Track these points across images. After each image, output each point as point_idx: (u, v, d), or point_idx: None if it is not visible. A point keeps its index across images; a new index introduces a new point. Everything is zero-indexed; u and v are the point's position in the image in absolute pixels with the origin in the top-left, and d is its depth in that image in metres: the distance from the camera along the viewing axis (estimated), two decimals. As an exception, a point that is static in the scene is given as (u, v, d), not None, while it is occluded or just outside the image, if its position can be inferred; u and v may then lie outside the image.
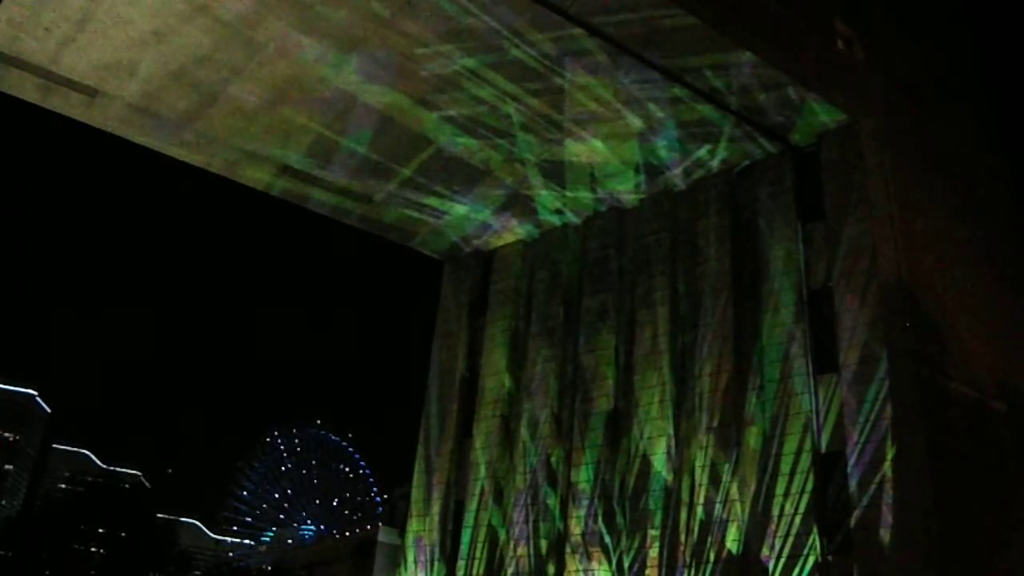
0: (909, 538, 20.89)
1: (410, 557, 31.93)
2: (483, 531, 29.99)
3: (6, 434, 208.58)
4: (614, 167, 28.86)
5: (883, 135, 25.71)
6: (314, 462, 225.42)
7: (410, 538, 32.41)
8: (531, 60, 24.24)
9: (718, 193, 28.41)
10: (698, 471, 25.28)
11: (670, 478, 25.86)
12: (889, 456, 21.70)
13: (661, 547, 25.11)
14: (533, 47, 23.74)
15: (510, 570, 28.49)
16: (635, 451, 26.88)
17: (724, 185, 28.36)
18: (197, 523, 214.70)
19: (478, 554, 29.72)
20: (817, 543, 22.41)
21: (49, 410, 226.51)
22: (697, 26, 22.57)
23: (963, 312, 26.25)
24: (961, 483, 22.53)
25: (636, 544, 25.70)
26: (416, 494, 32.99)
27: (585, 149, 28.06)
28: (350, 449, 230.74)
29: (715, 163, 28.20)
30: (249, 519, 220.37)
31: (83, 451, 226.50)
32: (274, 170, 30.17)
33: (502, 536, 29.60)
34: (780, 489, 23.41)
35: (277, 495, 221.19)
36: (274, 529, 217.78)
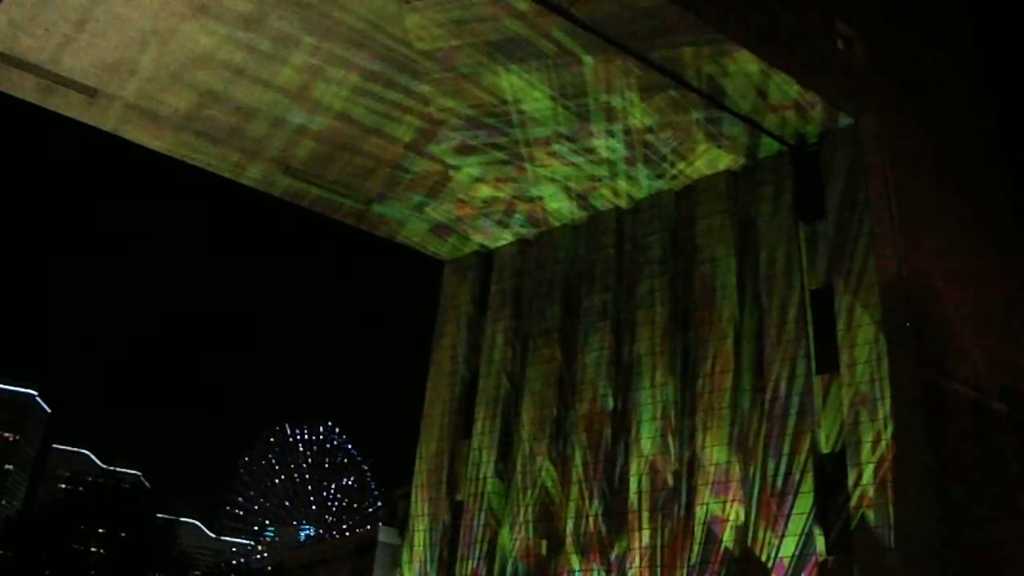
0: (909, 538, 20.89)
1: (410, 557, 31.94)
2: (483, 531, 29.99)
3: (6, 434, 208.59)
4: (614, 166, 28.84)
5: (883, 135, 25.68)
6: (314, 462, 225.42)
7: (410, 538, 32.42)
8: (531, 59, 24.24)
9: (718, 193, 28.41)
10: (698, 471, 25.29)
11: (670, 478, 25.86)
12: (889, 456, 21.71)
13: (661, 547, 25.11)
14: (533, 47, 23.74)
15: (510, 570, 28.49)
16: (635, 451, 26.88)
17: (724, 185, 28.36)
18: (197, 523, 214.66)
19: (477, 554, 29.72)
20: (817, 543, 22.42)
21: (49, 410, 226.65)
22: (697, 26, 22.58)
23: (963, 312, 26.22)
24: (961, 483, 22.52)
25: (636, 544, 25.67)
26: (416, 494, 32.99)
27: (585, 148, 28.05)
28: (351, 449, 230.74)
29: (715, 163, 28.19)
30: (249, 519, 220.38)
31: (83, 451, 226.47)
32: (275, 170, 30.16)
33: (502, 536, 29.60)
34: (779, 489, 23.42)
35: (277, 495, 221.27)
36: (274, 529, 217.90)
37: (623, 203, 30.75)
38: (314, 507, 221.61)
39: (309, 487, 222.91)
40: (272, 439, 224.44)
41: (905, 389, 22.37)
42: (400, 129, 27.78)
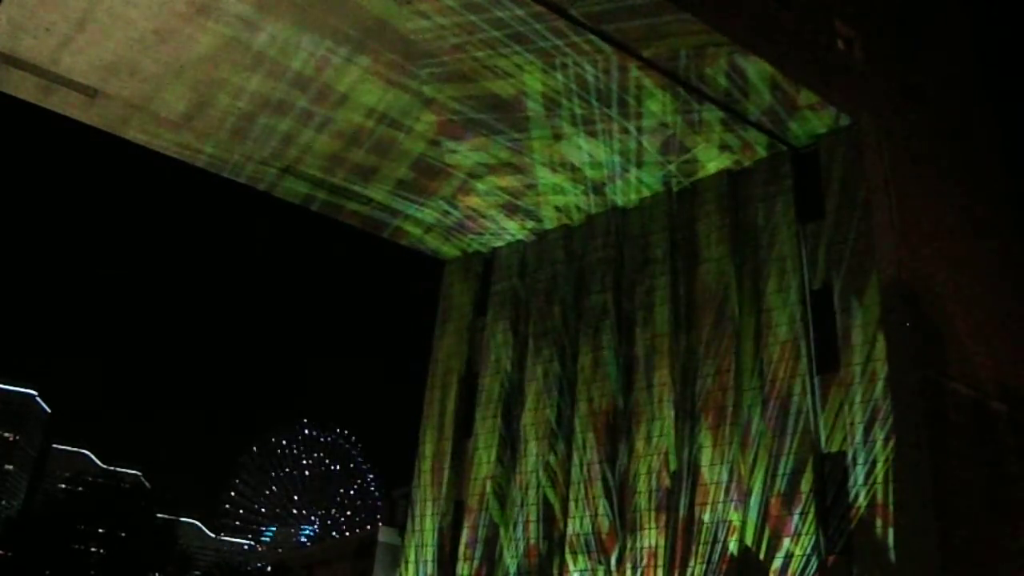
0: (909, 538, 20.90)
1: (410, 557, 31.94)
2: (483, 531, 29.99)
3: (6, 434, 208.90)
4: (615, 166, 28.86)
5: (883, 135, 25.71)
6: (314, 462, 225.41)
7: (410, 538, 32.42)
8: (531, 59, 24.24)
9: (718, 193, 28.42)
10: (698, 471, 25.29)
11: (670, 478, 25.86)
12: (889, 456, 21.71)
13: (661, 547, 25.11)
14: (533, 46, 23.75)
15: (510, 570, 28.50)
16: (635, 451, 26.89)
17: (724, 185, 28.36)
18: (197, 523, 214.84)
19: (478, 554, 29.72)
20: (817, 543, 22.43)
21: (49, 410, 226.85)
22: (697, 26, 22.59)
23: (963, 312, 26.24)
24: (961, 483, 22.54)
25: (636, 544, 25.69)
26: (416, 494, 32.99)
27: (586, 148, 28.06)
28: (351, 450, 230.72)
29: (715, 163, 28.21)
30: (249, 519, 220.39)
31: (83, 451, 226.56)
32: (274, 170, 30.17)
33: (502, 536, 29.60)
34: (780, 489, 23.43)
35: (277, 495, 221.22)
36: (274, 529, 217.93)
37: (625, 202, 30.74)
38: (314, 507, 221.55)
39: (310, 487, 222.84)
40: (272, 439, 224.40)
41: (905, 389, 22.37)
42: (404, 125, 27.70)
